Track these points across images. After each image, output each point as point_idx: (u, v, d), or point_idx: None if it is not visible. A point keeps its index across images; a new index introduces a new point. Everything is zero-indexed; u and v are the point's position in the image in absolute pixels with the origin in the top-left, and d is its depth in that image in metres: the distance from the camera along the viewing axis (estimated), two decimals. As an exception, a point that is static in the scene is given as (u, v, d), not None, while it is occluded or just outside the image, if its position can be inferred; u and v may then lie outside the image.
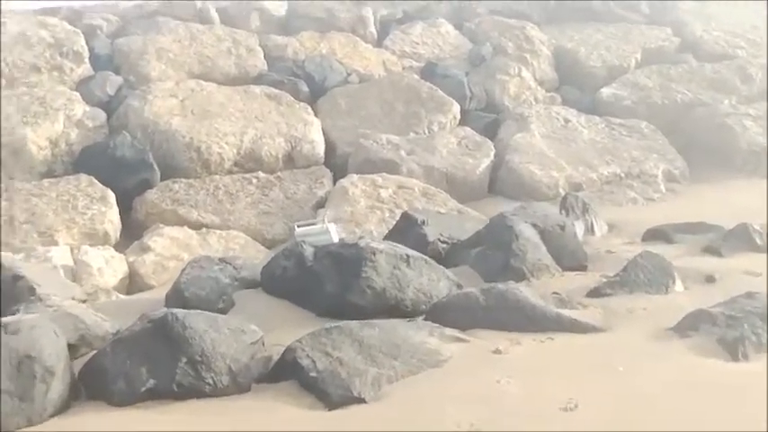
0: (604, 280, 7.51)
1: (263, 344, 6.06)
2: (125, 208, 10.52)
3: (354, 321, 6.25)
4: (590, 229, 9.55)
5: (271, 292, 7.35)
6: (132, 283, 8.92)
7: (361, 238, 7.36)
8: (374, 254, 6.90)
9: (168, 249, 9.22)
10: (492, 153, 11.98)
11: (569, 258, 8.17)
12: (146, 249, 9.19)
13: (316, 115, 12.28)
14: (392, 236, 8.87)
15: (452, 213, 9.80)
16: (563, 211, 9.59)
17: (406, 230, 8.78)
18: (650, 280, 7.26)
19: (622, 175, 11.76)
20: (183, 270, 7.48)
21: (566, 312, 6.65)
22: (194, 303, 6.99)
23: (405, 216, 9.01)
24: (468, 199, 11.29)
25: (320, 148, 11.83)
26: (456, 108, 12.79)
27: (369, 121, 12.41)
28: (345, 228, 9.91)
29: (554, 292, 7.09)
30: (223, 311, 7.08)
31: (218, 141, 11.26)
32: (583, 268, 8.12)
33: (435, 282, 7.20)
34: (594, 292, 7.25)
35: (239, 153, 11.34)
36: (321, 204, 10.72)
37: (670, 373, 5.48)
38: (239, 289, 7.52)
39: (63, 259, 8.63)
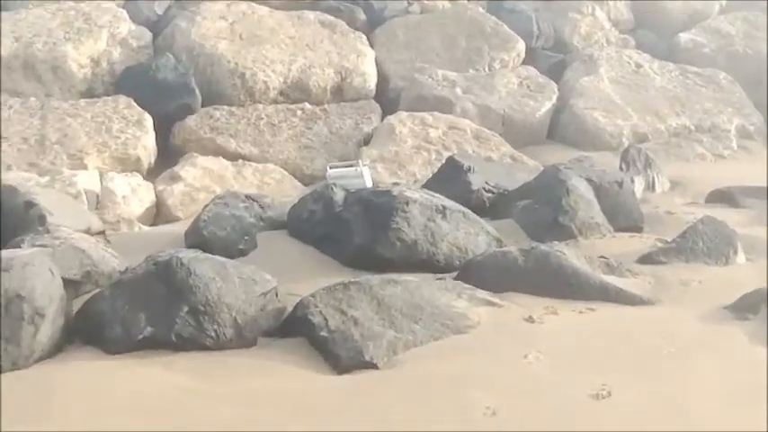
0: (659, 245, 6.86)
1: (277, 294, 5.60)
2: (164, 133, 10.09)
3: (377, 276, 5.74)
4: (650, 186, 8.84)
5: (297, 236, 6.88)
6: (159, 213, 8.52)
7: (395, 184, 6.80)
8: (407, 203, 6.36)
9: (200, 180, 8.78)
10: (555, 96, 11.23)
11: (624, 218, 7.51)
12: (176, 179, 8.77)
13: (371, 46, 11.62)
14: (435, 181, 8.31)
15: (504, 161, 9.15)
16: (623, 165, 8.90)
17: (451, 176, 8.20)
18: (710, 249, 6.59)
19: (692, 127, 10.94)
20: (206, 207, 7.04)
21: (611, 280, 6.05)
22: (213, 243, 6.56)
23: (450, 161, 8.41)
24: (524, 144, 10.63)
25: (372, 82, 11.21)
26: (521, 45, 12.02)
27: (427, 55, 11.72)
28: (388, 168, 9.36)
29: (601, 257, 6.46)
30: (244, 253, 6.65)
31: (264, 69, 10.72)
32: (638, 230, 7.46)
33: (473, 236, 6.64)
34: (646, 258, 6.62)
35: (286, 82, 10.79)
36: (366, 141, 10.17)
37: (721, 363, 4.86)
38: (265, 230, 7.07)
39: (89, 184, 8.25)
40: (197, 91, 10.33)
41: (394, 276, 5.73)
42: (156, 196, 8.57)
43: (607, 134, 10.63)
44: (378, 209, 6.37)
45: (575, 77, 11.14)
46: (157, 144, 9.80)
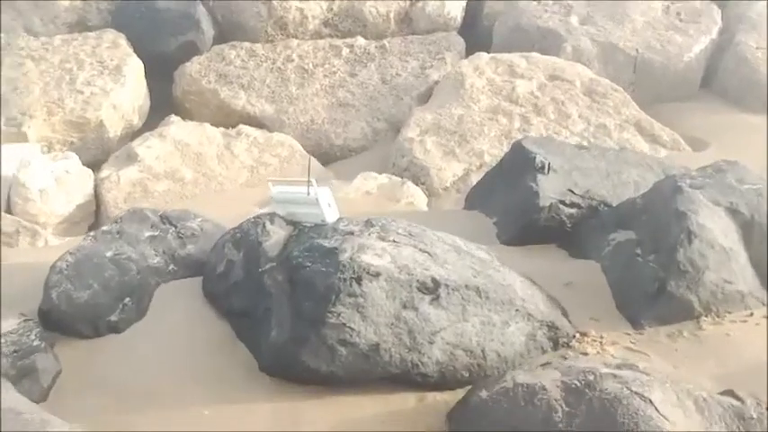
0: None
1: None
2: (166, 80, 7.50)
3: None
4: None
5: (212, 300, 4.14)
6: (98, 211, 5.98)
7: (367, 224, 3.86)
8: (360, 278, 3.46)
9: (165, 161, 6.17)
10: (716, 29, 7.72)
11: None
12: (132, 159, 6.16)
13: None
14: (484, 187, 5.35)
15: (608, 150, 5.92)
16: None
17: (511, 177, 5.19)
18: None
19: None
20: (82, 242, 4.40)
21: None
22: (66, 314, 3.96)
23: (515, 150, 5.35)
24: (663, 100, 7.31)
25: (456, 7, 8.08)
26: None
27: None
28: (443, 145, 6.40)
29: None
30: (116, 329, 4.01)
31: (301, -10, 7.83)
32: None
33: (498, 328, 3.70)
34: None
35: (332, 9, 7.84)
36: (427, 96, 7.17)
37: None
38: (178, 276, 4.38)
39: (15, 167, 5.81)
40: (203, 23, 7.62)
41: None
42: (96, 188, 6.00)
43: (791, 87, 7.13)
44: (307, 284, 3.51)
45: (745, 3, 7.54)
46: (155, 99, 7.24)
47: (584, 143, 6.51)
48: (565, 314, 4.10)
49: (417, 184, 6.11)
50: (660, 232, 4.28)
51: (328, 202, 4.04)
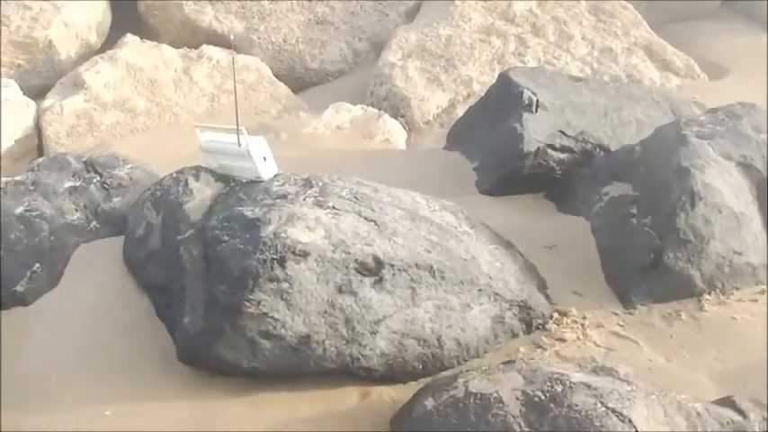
0: None
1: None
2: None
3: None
4: None
5: (130, 268, 3.56)
6: (40, 147, 5.36)
7: (302, 185, 3.23)
8: (283, 259, 2.86)
9: (114, 88, 5.50)
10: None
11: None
12: (78, 86, 5.51)
13: None
14: (465, 124, 4.70)
15: (609, 83, 5.19)
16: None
17: (498, 115, 4.53)
18: None
19: None
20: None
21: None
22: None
23: (502, 81, 4.67)
24: (681, 17, 6.58)
25: None
26: None
27: None
28: (428, 71, 5.70)
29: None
30: (24, 300, 3.46)
31: None
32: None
33: (457, 312, 3.10)
34: None
35: None
36: (417, 12, 6.42)
37: None
38: (100, 234, 3.80)
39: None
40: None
41: None
42: (35, 121, 5.38)
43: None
44: (222, 265, 2.91)
45: None
46: (119, 14, 6.53)
47: (587, 69, 5.79)
48: (542, 287, 3.50)
49: (396, 117, 5.45)
50: (659, 190, 3.63)
51: (263, 154, 3.40)
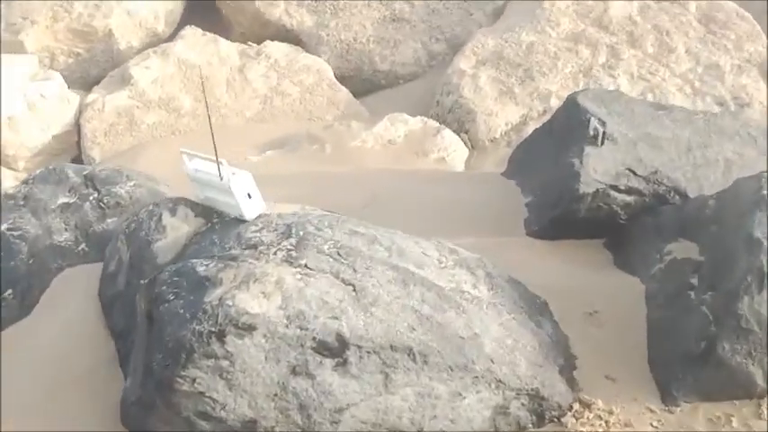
0: None
1: None
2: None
3: None
4: None
5: (103, 305, 3.19)
6: (79, 146, 5.09)
7: (281, 233, 2.75)
8: (222, 333, 2.40)
9: (162, 85, 5.18)
10: None
11: None
12: (126, 81, 5.21)
13: None
14: (530, 146, 4.14)
15: (699, 113, 4.47)
16: None
17: (562, 139, 3.95)
18: None
19: None
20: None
21: None
22: None
23: (570, 105, 4.06)
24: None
25: None
26: None
27: None
28: (502, 81, 5.13)
29: None
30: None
31: None
32: None
33: (445, 402, 2.59)
34: None
35: None
36: (502, 13, 5.82)
37: None
38: (87, 258, 3.47)
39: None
40: None
41: None
42: (76, 115, 5.11)
43: None
44: (161, 329, 2.47)
45: None
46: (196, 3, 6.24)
47: (686, 88, 5.06)
48: (567, 368, 2.92)
49: (460, 132, 4.90)
50: (726, 261, 2.96)
51: (247, 191, 2.94)
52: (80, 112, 5.12)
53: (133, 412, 2.55)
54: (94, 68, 5.73)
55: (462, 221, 3.92)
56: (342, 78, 5.57)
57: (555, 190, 3.78)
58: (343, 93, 5.35)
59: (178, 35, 5.66)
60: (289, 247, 2.69)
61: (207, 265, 2.57)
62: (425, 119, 4.91)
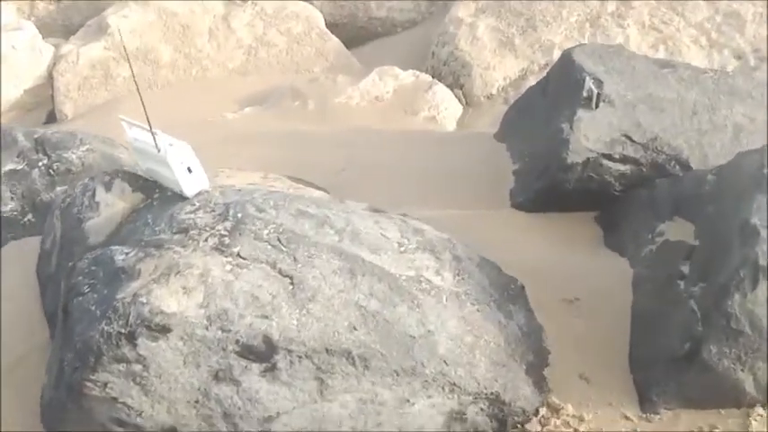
0: None
1: None
2: None
3: None
4: None
5: (40, 286, 2.97)
6: (53, 97, 4.82)
7: (219, 214, 2.48)
8: (135, 333, 2.14)
9: (141, 35, 4.87)
10: None
11: None
12: (102, 31, 4.91)
13: None
14: (523, 106, 3.79)
15: (710, 69, 4.09)
16: None
17: (556, 100, 3.62)
18: None
19: None
20: None
21: None
22: None
23: (564, 60, 3.70)
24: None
25: None
26: None
27: None
28: (502, 31, 4.76)
29: None
30: None
31: None
32: None
33: (394, 409, 2.32)
34: None
35: None
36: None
37: None
38: (33, 230, 3.24)
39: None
40: None
41: None
42: (48, 68, 4.84)
43: None
44: (72, 326, 2.23)
45: None
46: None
47: (702, 39, 4.67)
48: (537, 365, 2.64)
49: (453, 88, 4.56)
50: (720, 247, 2.64)
51: (188, 164, 2.66)
52: (53, 63, 4.84)
53: (48, 414, 2.33)
54: (77, 16, 5.44)
55: (444, 190, 3.62)
56: (334, 26, 5.23)
57: (542, 158, 3.46)
58: (334, 42, 5.02)
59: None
60: (223, 232, 2.42)
61: (126, 254, 2.31)
62: (417, 73, 4.58)
